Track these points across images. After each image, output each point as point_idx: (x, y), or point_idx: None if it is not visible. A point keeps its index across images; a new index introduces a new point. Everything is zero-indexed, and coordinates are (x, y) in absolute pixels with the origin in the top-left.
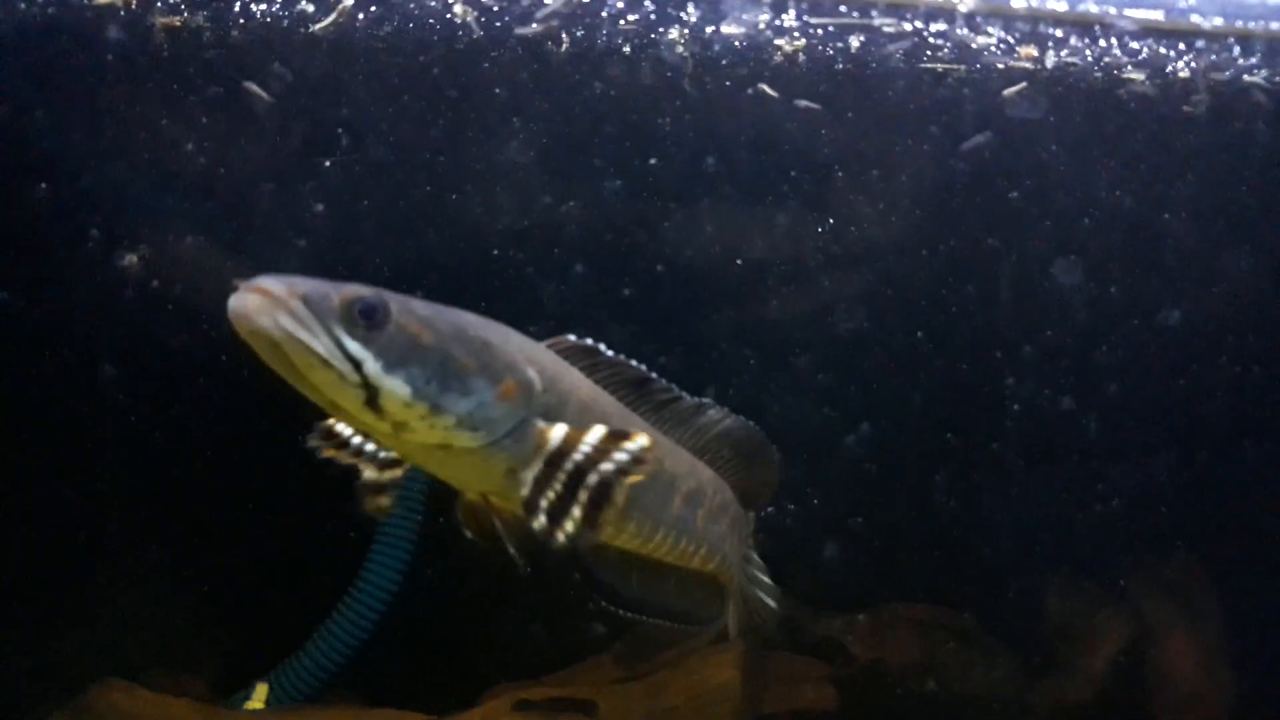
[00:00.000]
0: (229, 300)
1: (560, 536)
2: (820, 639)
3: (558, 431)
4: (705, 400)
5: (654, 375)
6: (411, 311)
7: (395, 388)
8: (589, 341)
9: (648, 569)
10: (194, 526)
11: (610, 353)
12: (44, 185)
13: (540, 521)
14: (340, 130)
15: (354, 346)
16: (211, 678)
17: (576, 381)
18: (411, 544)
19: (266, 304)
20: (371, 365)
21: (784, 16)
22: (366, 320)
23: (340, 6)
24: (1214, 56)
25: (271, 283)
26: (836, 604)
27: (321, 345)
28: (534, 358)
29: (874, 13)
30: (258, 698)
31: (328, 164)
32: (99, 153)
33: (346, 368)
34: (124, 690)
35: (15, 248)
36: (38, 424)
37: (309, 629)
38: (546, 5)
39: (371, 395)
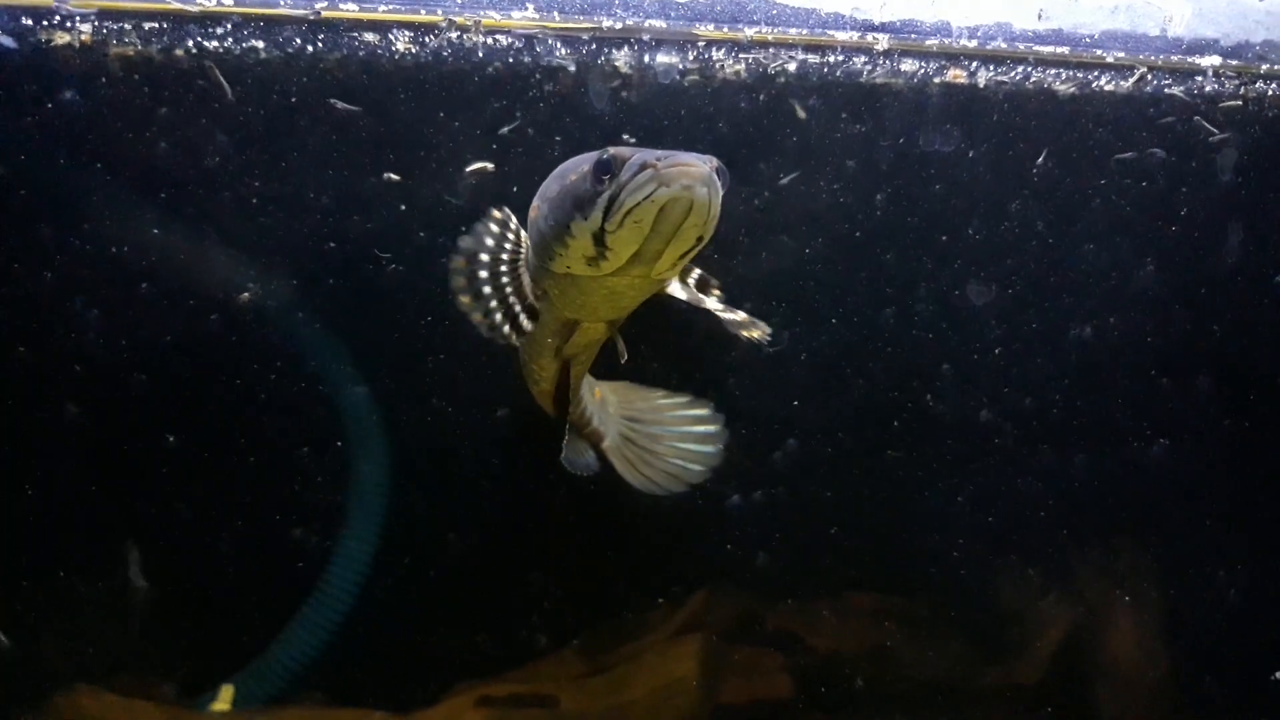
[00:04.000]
0: (671, 172)
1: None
2: (777, 629)
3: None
4: None
5: None
6: None
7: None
8: None
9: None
10: (159, 529)
11: None
12: None
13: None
14: None
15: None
16: (178, 680)
17: None
18: (375, 544)
19: (706, 175)
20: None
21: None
22: (722, 179)
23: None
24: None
25: (695, 158)
26: (792, 594)
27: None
28: None
29: (796, 51)
30: (224, 699)
31: None
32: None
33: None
34: (91, 695)
35: None
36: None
37: (275, 630)
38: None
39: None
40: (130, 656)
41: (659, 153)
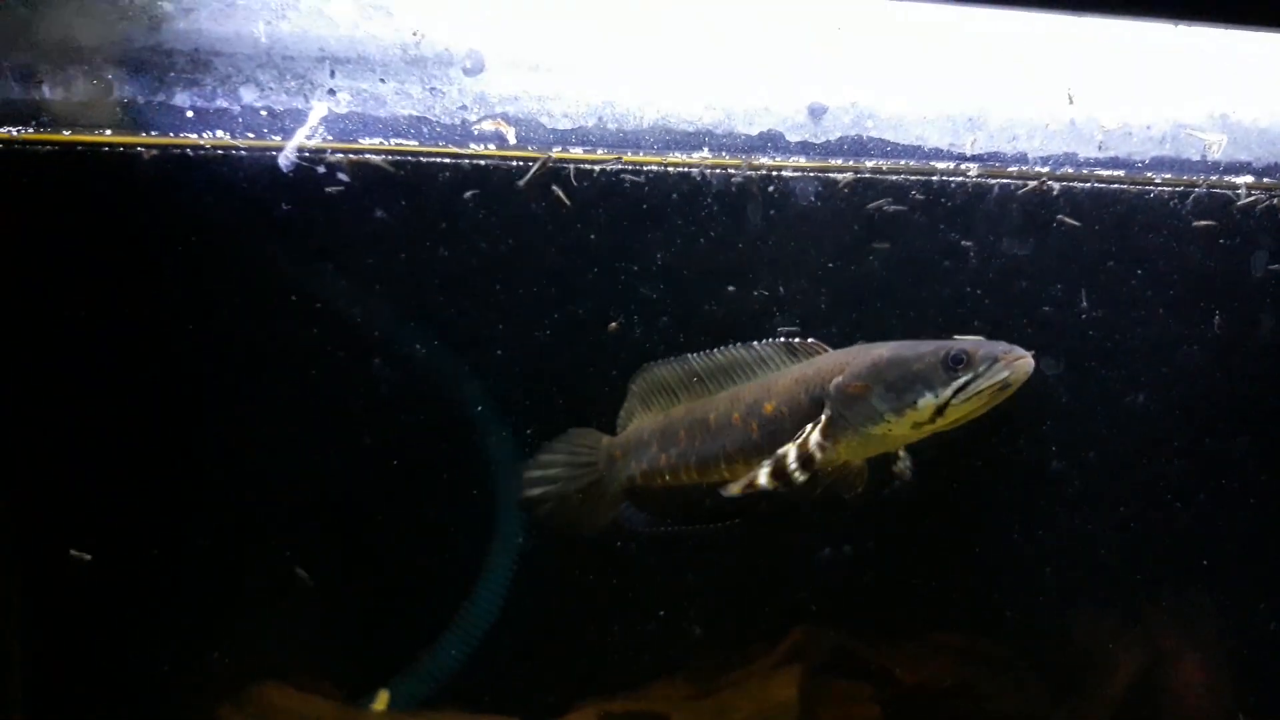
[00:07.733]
0: (1019, 364)
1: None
2: (870, 664)
3: None
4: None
5: None
6: None
7: None
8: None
9: None
10: (334, 547)
11: None
12: None
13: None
14: None
15: None
16: (337, 682)
17: None
18: (514, 565)
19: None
20: None
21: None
22: None
23: None
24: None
25: (1019, 349)
26: (886, 633)
27: None
28: None
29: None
30: (380, 701)
31: None
32: None
33: None
34: (278, 689)
35: None
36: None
37: (425, 640)
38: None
39: None
40: (308, 657)
41: (1000, 346)
